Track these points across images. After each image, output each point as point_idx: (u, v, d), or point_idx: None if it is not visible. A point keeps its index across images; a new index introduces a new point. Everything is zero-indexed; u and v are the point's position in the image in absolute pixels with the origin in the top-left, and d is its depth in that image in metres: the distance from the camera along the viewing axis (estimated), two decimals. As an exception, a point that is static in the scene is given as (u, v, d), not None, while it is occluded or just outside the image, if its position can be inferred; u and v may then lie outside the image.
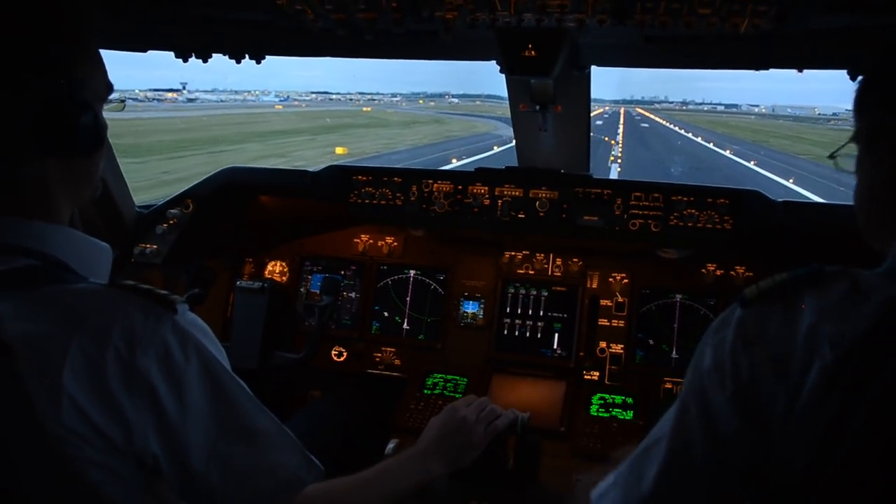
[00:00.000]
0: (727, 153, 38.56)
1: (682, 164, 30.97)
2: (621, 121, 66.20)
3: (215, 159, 24.20)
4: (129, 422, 1.27)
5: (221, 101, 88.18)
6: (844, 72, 2.05)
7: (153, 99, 78.57)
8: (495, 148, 32.56)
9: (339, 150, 29.47)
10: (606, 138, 38.64)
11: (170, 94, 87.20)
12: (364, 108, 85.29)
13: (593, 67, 2.72)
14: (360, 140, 40.29)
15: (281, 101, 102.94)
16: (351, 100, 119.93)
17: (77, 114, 1.35)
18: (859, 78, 1.34)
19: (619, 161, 30.13)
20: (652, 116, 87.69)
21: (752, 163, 33.09)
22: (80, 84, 1.37)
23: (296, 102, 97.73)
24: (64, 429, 1.22)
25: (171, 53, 2.41)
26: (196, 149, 29.63)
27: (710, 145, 44.11)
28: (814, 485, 1.09)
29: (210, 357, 1.39)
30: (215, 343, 1.44)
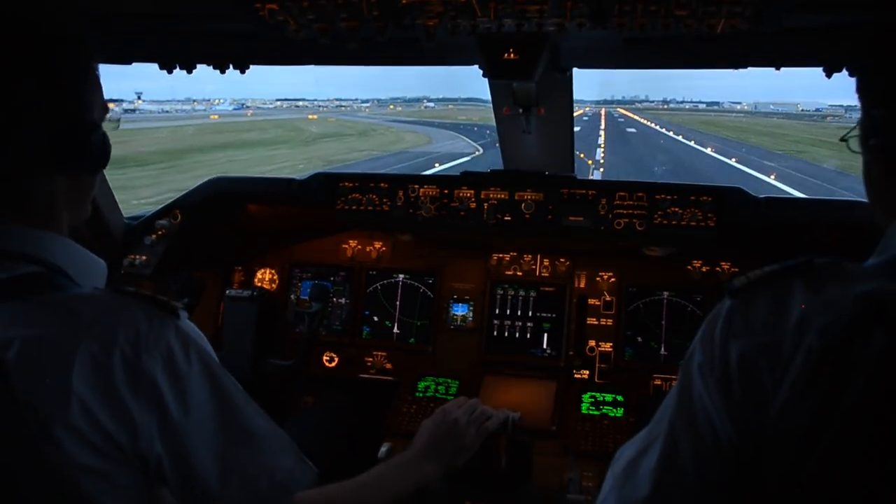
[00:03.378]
0: (772, 178, 27.42)
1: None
2: (602, 125, 60.65)
3: None
4: (134, 424, 1.29)
5: (165, 111, 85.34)
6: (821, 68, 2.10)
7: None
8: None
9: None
10: (582, 155, 29.10)
11: (109, 105, 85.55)
12: (310, 116, 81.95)
13: (574, 69, 2.75)
14: (173, 176, 26.04)
15: (235, 109, 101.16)
16: (320, 107, 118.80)
17: (88, 133, 1.43)
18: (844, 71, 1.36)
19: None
20: (636, 118, 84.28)
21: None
22: (88, 104, 1.44)
23: (249, 112, 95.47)
24: (71, 431, 1.24)
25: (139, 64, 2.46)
26: None
27: (733, 162, 33.57)
28: (798, 476, 1.10)
29: (210, 361, 1.42)
30: (211, 349, 1.47)
